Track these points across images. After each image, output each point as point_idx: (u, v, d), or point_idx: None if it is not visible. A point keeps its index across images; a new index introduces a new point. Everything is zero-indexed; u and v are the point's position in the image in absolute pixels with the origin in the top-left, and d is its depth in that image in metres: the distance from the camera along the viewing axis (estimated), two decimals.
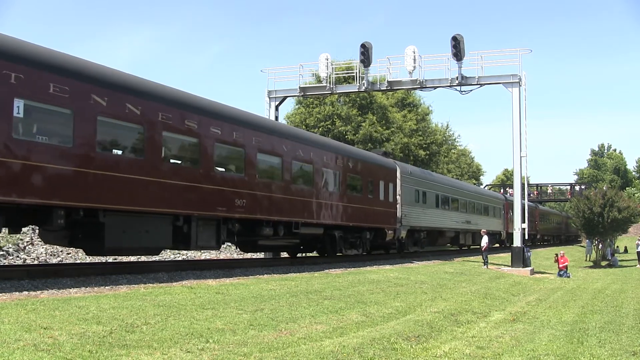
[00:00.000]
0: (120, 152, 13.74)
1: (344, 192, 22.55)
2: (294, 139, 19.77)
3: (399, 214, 27.28)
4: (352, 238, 23.90)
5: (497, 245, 46.81)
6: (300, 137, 20.74)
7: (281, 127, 19.70)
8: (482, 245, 28.41)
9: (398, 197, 27.42)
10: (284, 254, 24.90)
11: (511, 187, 46.86)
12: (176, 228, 15.03)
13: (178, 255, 24.83)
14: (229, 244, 20.57)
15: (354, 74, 29.62)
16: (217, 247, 16.60)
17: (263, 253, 24.71)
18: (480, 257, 28.48)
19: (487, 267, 26.92)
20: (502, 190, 70.23)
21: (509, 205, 46.94)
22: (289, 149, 19.11)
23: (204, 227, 15.83)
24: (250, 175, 17.24)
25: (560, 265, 28.43)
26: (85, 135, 12.37)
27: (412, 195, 29.34)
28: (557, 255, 29.28)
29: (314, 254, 24.84)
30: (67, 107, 11.99)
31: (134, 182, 13.48)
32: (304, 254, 24.98)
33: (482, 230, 31.22)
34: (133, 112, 13.47)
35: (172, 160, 15.15)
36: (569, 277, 27.04)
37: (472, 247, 40.80)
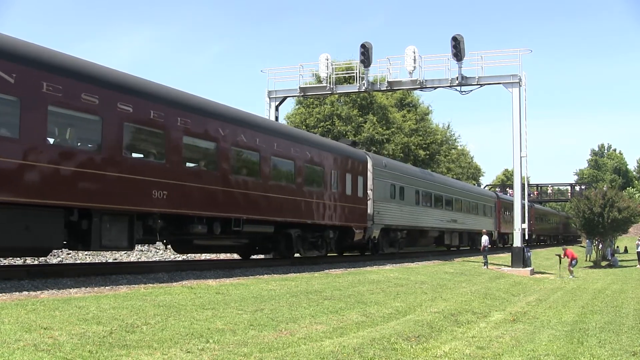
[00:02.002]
0: None
1: (300, 185, 19.83)
2: (234, 122, 17.01)
3: (370, 211, 24.70)
4: (312, 238, 21.33)
5: (489, 246, 45.91)
6: (243, 120, 17.72)
7: (217, 107, 16.82)
8: (482, 245, 28.38)
9: (369, 192, 24.84)
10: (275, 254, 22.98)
11: (511, 187, 46.63)
12: (71, 224, 12.55)
13: (178, 255, 24.38)
14: (165, 244, 18.04)
15: (354, 74, 29.61)
16: (130, 248, 14.00)
17: (215, 254, 22.62)
18: (480, 257, 28.45)
19: (487, 267, 26.90)
20: (499, 190, 70.17)
21: (501, 203, 46.17)
22: (227, 134, 16.45)
23: (111, 223, 13.23)
24: (173, 163, 14.65)
25: (570, 259, 27.84)
26: None
27: (387, 190, 26.74)
28: (560, 255, 28.88)
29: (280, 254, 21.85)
30: None
31: (5, 167, 10.97)
32: (267, 256, 22.58)
33: (483, 230, 31.12)
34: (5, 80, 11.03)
35: (61, 142, 12.60)
36: (572, 277, 26.71)
37: (461, 248, 39.51)
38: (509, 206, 47.12)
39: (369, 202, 24.68)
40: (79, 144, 12.98)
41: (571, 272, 27.37)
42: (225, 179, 16.38)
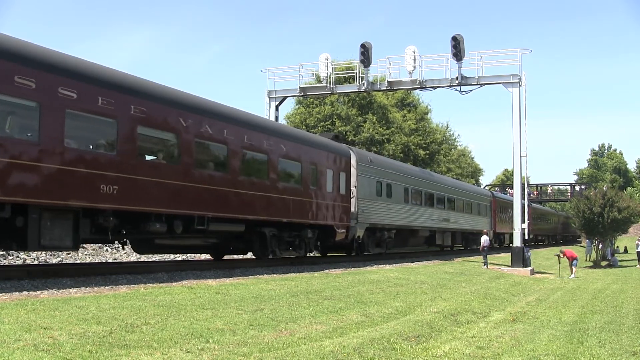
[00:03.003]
0: None
1: (274, 180, 18.49)
2: (198, 112, 15.69)
3: (354, 209, 23.40)
4: (289, 237, 19.93)
5: (487, 245, 44.58)
6: (209, 109, 16.34)
7: (178, 95, 15.49)
8: (481, 245, 28.33)
9: (353, 189, 23.54)
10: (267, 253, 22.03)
11: (511, 187, 46.49)
12: (3, 221, 11.43)
13: (178, 255, 24.27)
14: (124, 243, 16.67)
15: (354, 74, 29.63)
16: (75, 248, 12.76)
17: (180, 254, 21.49)
18: (480, 257, 28.43)
19: (487, 267, 26.89)
20: (499, 190, 70.08)
21: (497, 202, 45.13)
22: (190, 124, 15.17)
23: (52, 220, 12.04)
24: (126, 155, 13.37)
25: (570, 259, 27.65)
26: None
27: (373, 187, 25.34)
28: (559, 254, 28.83)
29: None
30: None
31: None
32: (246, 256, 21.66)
33: (484, 230, 31.06)
34: None
35: None
36: (573, 277, 26.67)
37: (455, 247, 38.45)
38: (505, 205, 46.72)
39: (353, 200, 23.44)
40: (12, 132, 11.55)
41: (572, 272, 27.36)
42: (187, 174, 15.05)
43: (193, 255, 24.12)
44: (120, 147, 13.28)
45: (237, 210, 16.93)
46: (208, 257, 21.67)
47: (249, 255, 21.11)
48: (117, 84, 13.44)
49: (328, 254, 25.41)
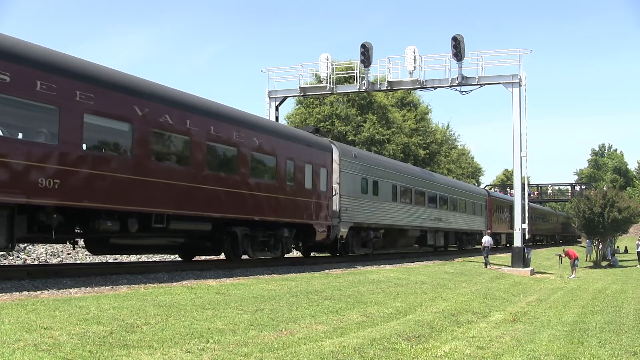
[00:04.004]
0: None
1: (245, 176, 17.13)
2: (156, 100, 14.36)
3: (336, 208, 22.10)
4: (263, 237, 18.66)
5: (479, 246, 41.77)
6: (168, 98, 14.96)
7: (132, 80, 14.20)
8: (482, 244, 28.26)
9: (336, 186, 22.23)
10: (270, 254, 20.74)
11: (511, 187, 46.38)
12: None
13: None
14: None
15: (354, 74, 29.63)
16: (10, 247, 11.54)
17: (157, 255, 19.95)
18: (480, 257, 28.41)
19: (489, 267, 26.84)
20: (499, 189, 69.98)
21: (493, 201, 43.96)
22: (146, 113, 13.87)
23: None
24: (69, 146, 12.13)
25: (572, 259, 27.60)
26: None
27: (358, 184, 24.09)
28: (561, 254, 28.81)
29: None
30: None
31: None
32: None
33: (486, 230, 30.92)
34: None
35: None
36: (573, 277, 26.66)
37: (450, 248, 37.44)
38: (502, 204, 46.27)
39: (335, 198, 22.17)
40: None
41: (573, 272, 27.36)
42: (141, 167, 13.76)
43: (167, 256, 22.55)
44: (63, 137, 12.03)
45: (202, 207, 15.57)
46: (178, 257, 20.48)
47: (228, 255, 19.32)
48: (60, 67, 12.21)
49: (311, 255, 24.37)
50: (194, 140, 15.35)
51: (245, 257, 18.37)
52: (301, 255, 24.37)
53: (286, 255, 23.42)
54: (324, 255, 24.52)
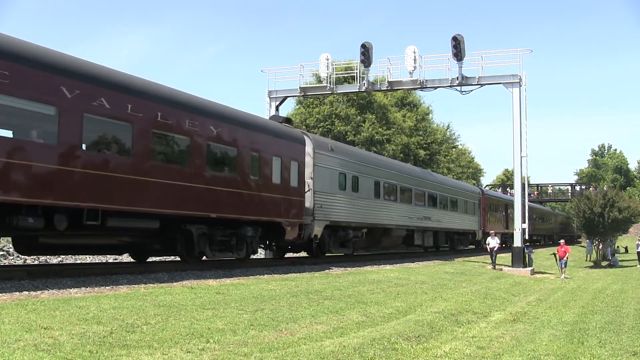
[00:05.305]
0: None
1: (200, 168, 15.60)
2: (90, 81, 12.66)
3: (309, 205, 20.37)
4: (223, 236, 17.13)
5: (472, 246, 40.68)
6: (105, 79, 13.25)
7: (60, 57, 12.46)
8: (490, 246, 27.80)
9: (309, 181, 20.50)
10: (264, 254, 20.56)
11: (511, 187, 46.31)
12: None
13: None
14: None
15: (355, 74, 29.63)
16: None
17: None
18: (481, 257, 28.34)
19: (494, 267, 26.52)
20: (499, 189, 69.90)
21: (487, 200, 42.67)
22: (75, 96, 12.17)
23: None
24: None
25: (561, 257, 27.34)
26: None
27: (335, 179, 22.26)
28: (555, 254, 28.69)
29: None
30: None
31: None
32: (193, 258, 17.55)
33: (492, 231, 30.64)
34: None
35: None
36: (564, 277, 26.43)
37: (442, 248, 35.94)
38: (497, 203, 45.52)
39: (309, 194, 20.40)
40: None
41: (562, 271, 26.96)
42: (70, 157, 12.18)
43: (167, 257, 20.85)
44: None
45: (146, 203, 14.03)
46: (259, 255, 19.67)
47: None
48: None
49: (286, 256, 23.08)
50: (137, 127, 13.72)
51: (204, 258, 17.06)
52: (303, 256, 23.59)
53: (286, 255, 23.28)
54: (300, 256, 23.23)
